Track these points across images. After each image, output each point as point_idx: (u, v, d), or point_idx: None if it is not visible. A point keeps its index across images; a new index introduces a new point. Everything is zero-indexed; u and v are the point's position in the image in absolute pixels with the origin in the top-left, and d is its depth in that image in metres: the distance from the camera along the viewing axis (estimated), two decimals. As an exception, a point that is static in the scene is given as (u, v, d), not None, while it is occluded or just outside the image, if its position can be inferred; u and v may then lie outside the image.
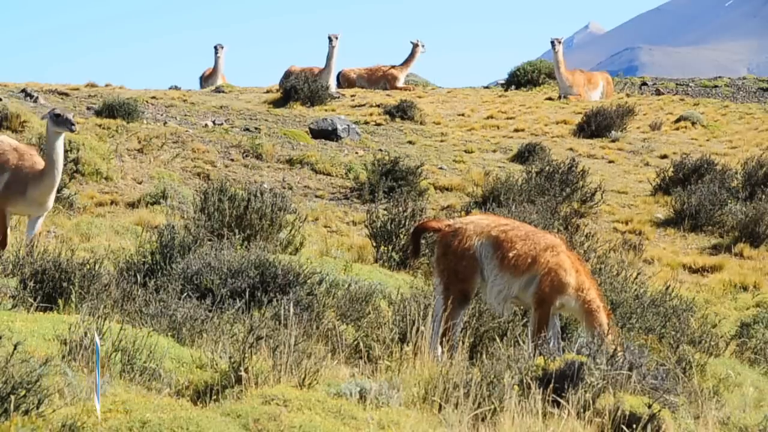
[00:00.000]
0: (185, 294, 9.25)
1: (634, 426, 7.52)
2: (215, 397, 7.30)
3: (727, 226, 18.69)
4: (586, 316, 9.06)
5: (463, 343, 8.67)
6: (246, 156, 20.75)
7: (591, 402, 7.66)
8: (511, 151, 23.18)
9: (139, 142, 20.47)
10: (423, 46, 31.99)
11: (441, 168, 21.45)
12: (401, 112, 25.67)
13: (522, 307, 9.47)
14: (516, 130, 25.89)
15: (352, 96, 28.88)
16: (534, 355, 8.24)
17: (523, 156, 22.41)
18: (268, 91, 28.33)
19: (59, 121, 11.41)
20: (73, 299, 9.00)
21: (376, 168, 19.55)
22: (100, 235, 14.47)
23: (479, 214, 12.32)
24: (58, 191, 14.75)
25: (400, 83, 31.44)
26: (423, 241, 10.79)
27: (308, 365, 7.54)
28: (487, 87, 35.03)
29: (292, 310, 8.23)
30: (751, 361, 11.14)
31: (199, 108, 24.82)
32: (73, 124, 11.54)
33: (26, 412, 6.26)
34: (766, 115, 29.23)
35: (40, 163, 11.70)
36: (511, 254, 9.05)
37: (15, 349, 6.41)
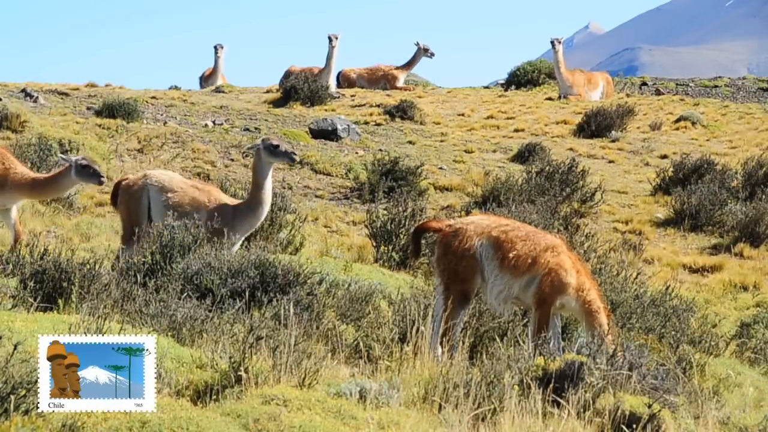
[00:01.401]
0: (185, 294, 9.24)
1: (634, 426, 7.52)
2: (215, 397, 7.30)
3: (727, 226, 18.70)
4: (587, 317, 9.07)
5: (463, 343, 8.67)
6: (246, 156, 20.76)
7: (591, 402, 7.66)
8: (511, 151, 23.18)
9: (139, 142, 20.47)
10: (428, 50, 31.77)
11: (441, 168, 21.45)
12: (401, 112, 25.67)
13: (522, 307, 9.47)
14: (516, 130, 25.88)
15: (352, 96, 28.88)
16: (534, 355, 8.25)
17: (523, 156, 22.42)
18: (268, 91, 28.32)
19: (278, 152, 11.07)
20: (73, 299, 9.00)
21: (376, 168, 19.54)
22: (100, 235, 14.47)
23: (479, 214, 12.32)
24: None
25: (400, 83, 31.41)
26: (423, 241, 10.80)
27: (308, 365, 7.54)
28: (487, 87, 35.03)
29: (292, 310, 8.23)
30: (751, 361, 11.15)
31: (199, 108, 24.82)
32: (295, 154, 11.22)
33: (26, 412, 6.26)
34: (766, 115, 29.23)
35: (227, 197, 11.37)
36: (511, 255, 9.05)
37: (15, 349, 6.41)
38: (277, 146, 11.10)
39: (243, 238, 11.43)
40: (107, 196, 17.49)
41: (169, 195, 11.24)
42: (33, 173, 12.07)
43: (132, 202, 11.27)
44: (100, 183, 11.75)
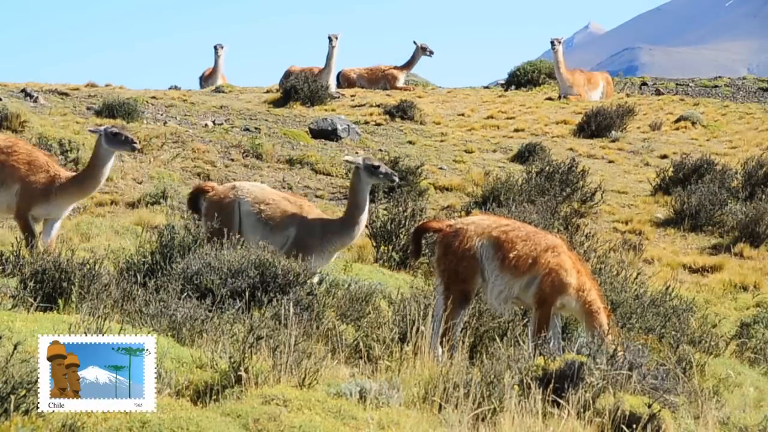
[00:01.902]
0: (185, 294, 9.24)
1: (634, 426, 7.52)
2: (215, 397, 7.30)
3: (727, 226, 18.69)
4: (587, 317, 9.07)
5: (463, 343, 8.68)
6: (246, 156, 20.75)
7: (591, 402, 7.66)
8: (511, 151, 23.18)
9: (139, 142, 20.44)
10: (427, 49, 31.74)
11: (441, 168, 21.45)
12: (401, 112, 25.67)
13: (522, 307, 9.47)
14: (516, 130, 25.89)
15: (352, 96, 28.88)
16: (534, 355, 8.25)
17: (523, 156, 22.41)
18: (268, 91, 28.32)
19: (378, 173, 10.82)
20: (73, 299, 9.00)
21: (376, 168, 19.53)
22: (100, 235, 14.46)
23: (480, 214, 12.32)
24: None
25: (400, 83, 31.42)
26: (423, 242, 10.81)
27: (308, 365, 7.54)
28: (487, 87, 35.04)
29: (292, 310, 8.23)
30: (751, 361, 11.15)
31: (199, 108, 24.82)
32: (395, 175, 10.97)
33: (26, 412, 6.26)
34: (766, 115, 29.24)
35: (318, 211, 11.18)
36: (511, 255, 9.06)
37: (15, 349, 6.41)
38: (378, 167, 10.87)
39: (334, 256, 11.27)
40: (107, 197, 17.50)
41: (262, 207, 11.04)
42: (71, 173, 11.80)
43: (222, 215, 11.04)
44: (134, 149, 11.53)
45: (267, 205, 11.09)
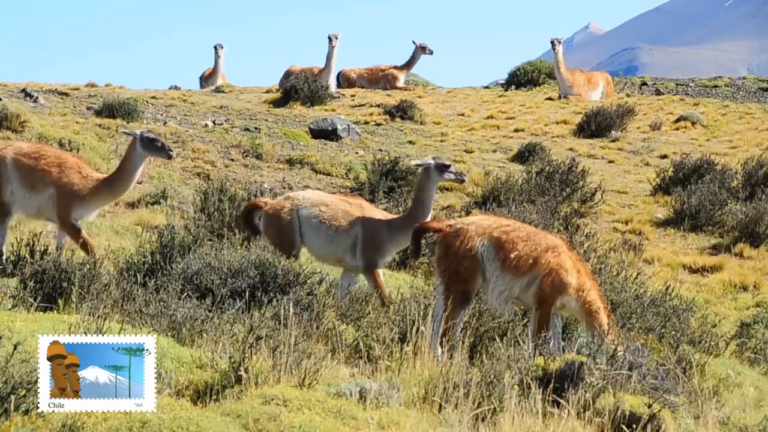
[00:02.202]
0: (185, 294, 9.25)
1: (634, 426, 7.53)
2: (215, 397, 7.30)
3: (727, 226, 18.69)
4: (587, 317, 9.07)
5: (463, 343, 8.68)
6: (246, 156, 20.75)
7: (591, 402, 7.66)
8: (511, 151, 23.17)
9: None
10: (426, 48, 31.75)
11: (441, 168, 21.43)
12: (401, 112, 25.67)
13: (522, 307, 9.48)
14: (516, 130, 25.88)
15: (352, 96, 28.88)
16: (534, 355, 8.25)
17: (523, 156, 22.41)
18: (268, 91, 28.32)
19: (449, 172, 10.85)
20: (73, 299, 9.01)
21: (376, 168, 19.53)
22: (100, 235, 14.45)
23: (480, 214, 12.32)
24: None
25: (400, 83, 31.41)
26: (423, 242, 10.79)
27: (308, 365, 7.54)
28: (487, 87, 35.04)
29: (292, 310, 8.23)
30: (751, 361, 11.16)
31: (199, 108, 24.81)
32: (464, 175, 11.03)
33: (26, 412, 6.27)
34: (766, 115, 29.24)
35: (378, 211, 11.15)
36: (512, 255, 9.06)
37: (15, 349, 6.41)
38: (449, 166, 10.90)
39: (391, 256, 11.27)
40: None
41: (322, 209, 10.95)
42: (101, 174, 11.70)
43: (282, 226, 10.98)
44: (170, 157, 11.41)
45: (326, 206, 10.99)
